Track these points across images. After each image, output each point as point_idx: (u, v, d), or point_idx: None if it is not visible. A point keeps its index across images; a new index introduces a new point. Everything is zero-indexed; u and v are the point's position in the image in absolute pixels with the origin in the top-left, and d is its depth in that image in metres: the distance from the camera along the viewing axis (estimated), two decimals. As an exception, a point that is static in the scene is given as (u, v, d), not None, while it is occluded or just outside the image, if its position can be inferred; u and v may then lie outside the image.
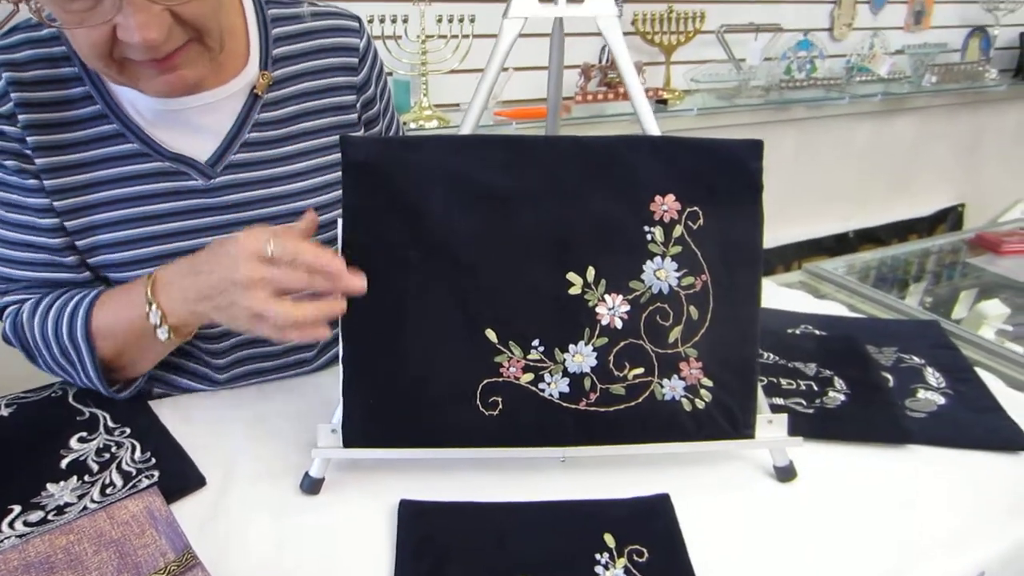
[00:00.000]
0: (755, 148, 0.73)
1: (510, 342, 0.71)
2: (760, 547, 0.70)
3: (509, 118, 1.93)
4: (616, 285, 0.72)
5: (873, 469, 0.81)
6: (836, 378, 0.97)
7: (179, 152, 0.87)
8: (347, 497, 0.74)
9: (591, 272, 0.71)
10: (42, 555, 0.63)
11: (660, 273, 0.72)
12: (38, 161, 0.84)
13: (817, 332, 1.11)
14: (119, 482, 0.75)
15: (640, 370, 0.72)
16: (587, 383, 0.72)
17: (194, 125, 0.87)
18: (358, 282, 0.68)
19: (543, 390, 0.72)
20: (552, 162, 0.71)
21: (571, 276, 0.71)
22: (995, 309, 1.37)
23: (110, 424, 0.85)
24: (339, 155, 0.70)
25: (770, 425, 0.76)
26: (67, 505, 0.72)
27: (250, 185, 0.90)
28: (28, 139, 0.83)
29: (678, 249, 0.72)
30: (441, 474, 0.77)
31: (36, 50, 0.83)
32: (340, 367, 0.72)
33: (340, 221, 0.70)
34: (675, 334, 0.73)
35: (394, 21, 1.81)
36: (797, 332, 1.11)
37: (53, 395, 0.91)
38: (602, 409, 0.72)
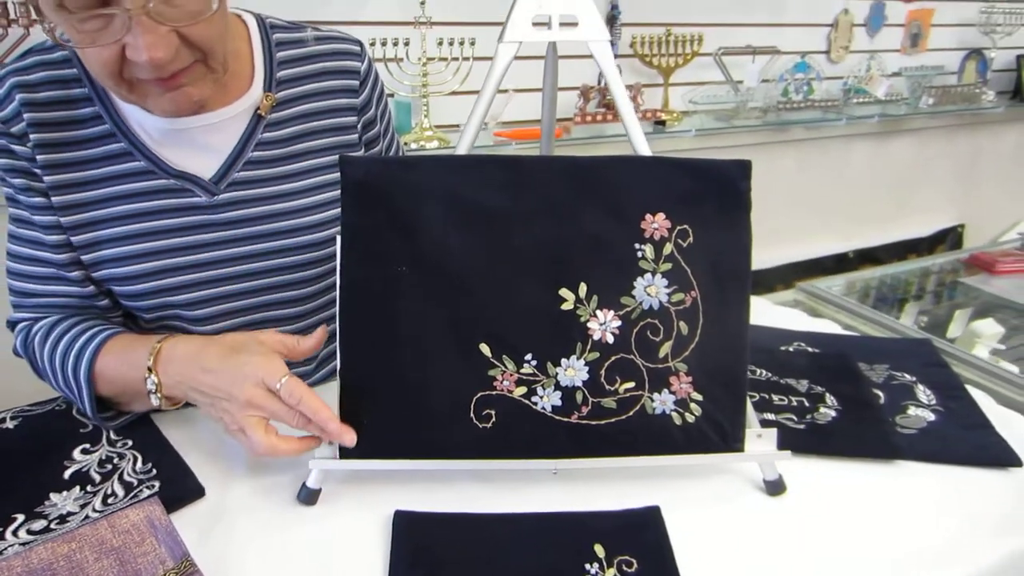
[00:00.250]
0: (743, 168, 0.75)
1: (504, 356, 0.73)
2: (749, 560, 0.71)
3: (509, 138, 1.96)
4: (608, 301, 0.73)
5: (862, 484, 0.81)
6: (827, 394, 0.98)
7: (184, 170, 0.90)
8: (343, 508, 0.76)
9: (583, 288, 0.73)
10: (44, 562, 0.65)
11: (651, 289, 0.74)
12: (46, 179, 0.87)
13: (810, 349, 1.12)
14: (120, 492, 0.77)
15: (631, 384, 0.74)
16: (579, 397, 0.73)
17: (199, 144, 0.90)
18: (348, 438, 0.73)
19: (536, 403, 0.73)
20: (545, 181, 0.73)
21: (563, 292, 0.73)
22: (989, 328, 1.38)
23: (112, 436, 0.87)
24: (339, 174, 0.72)
25: (759, 439, 0.77)
26: (69, 514, 0.74)
27: (252, 202, 0.92)
28: (38, 157, 0.86)
29: (668, 266, 0.74)
30: (436, 486, 0.78)
31: (48, 72, 0.86)
32: (337, 380, 0.74)
33: (339, 238, 0.72)
34: (665, 349, 0.74)
35: (396, 44, 1.84)
36: (790, 349, 1.12)
37: (57, 408, 0.93)
38: (594, 422, 0.74)
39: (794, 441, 0.85)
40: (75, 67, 0.87)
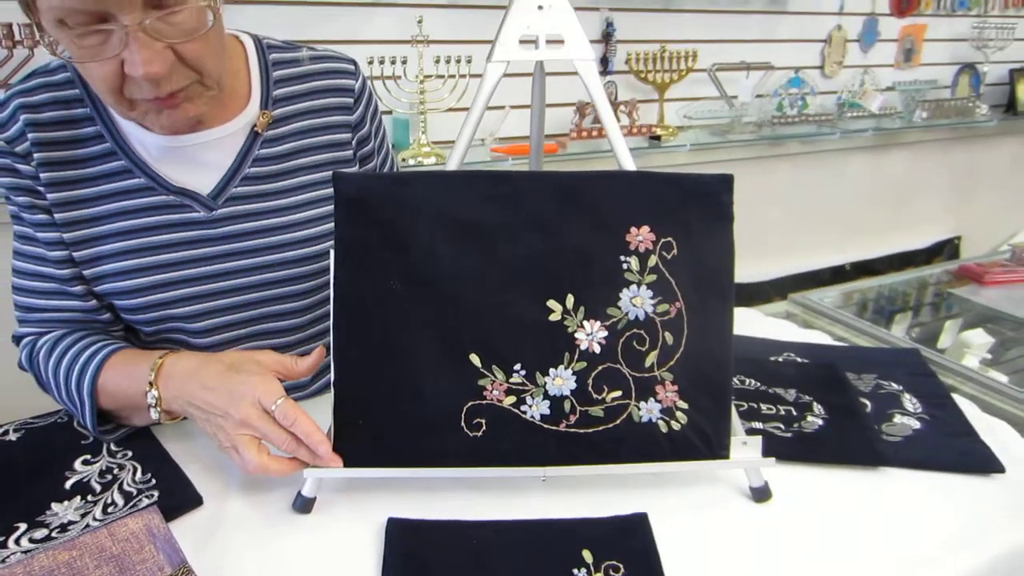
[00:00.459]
0: (725, 181, 0.77)
1: (493, 366, 0.75)
2: (735, 565, 0.72)
3: (505, 154, 1.99)
4: (594, 312, 0.75)
5: (847, 491, 0.83)
6: (815, 403, 0.99)
7: (183, 186, 0.92)
8: (338, 516, 0.77)
9: (570, 299, 0.75)
10: (46, 569, 0.67)
11: (636, 300, 0.76)
12: (50, 196, 0.89)
13: (799, 360, 1.14)
14: (120, 501, 0.79)
15: (618, 393, 0.76)
16: (567, 405, 0.75)
17: (198, 161, 0.92)
18: (336, 464, 0.76)
19: (525, 412, 0.75)
20: (533, 196, 0.75)
21: (551, 303, 0.75)
22: (978, 338, 1.40)
23: (113, 447, 0.89)
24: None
25: (744, 447, 0.79)
26: (70, 523, 0.75)
27: (249, 216, 0.95)
28: (41, 176, 0.88)
29: (653, 278, 0.76)
30: (428, 494, 0.80)
31: (52, 93, 0.89)
32: (331, 391, 0.76)
33: (332, 252, 0.75)
34: (651, 358, 0.76)
35: (393, 62, 1.88)
36: (780, 360, 1.14)
37: (59, 421, 0.95)
38: (581, 430, 0.76)
39: (781, 449, 0.87)
40: (77, 88, 0.89)
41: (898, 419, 0.97)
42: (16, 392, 1.03)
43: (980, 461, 0.88)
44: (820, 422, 0.95)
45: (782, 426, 0.94)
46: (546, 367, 0.75)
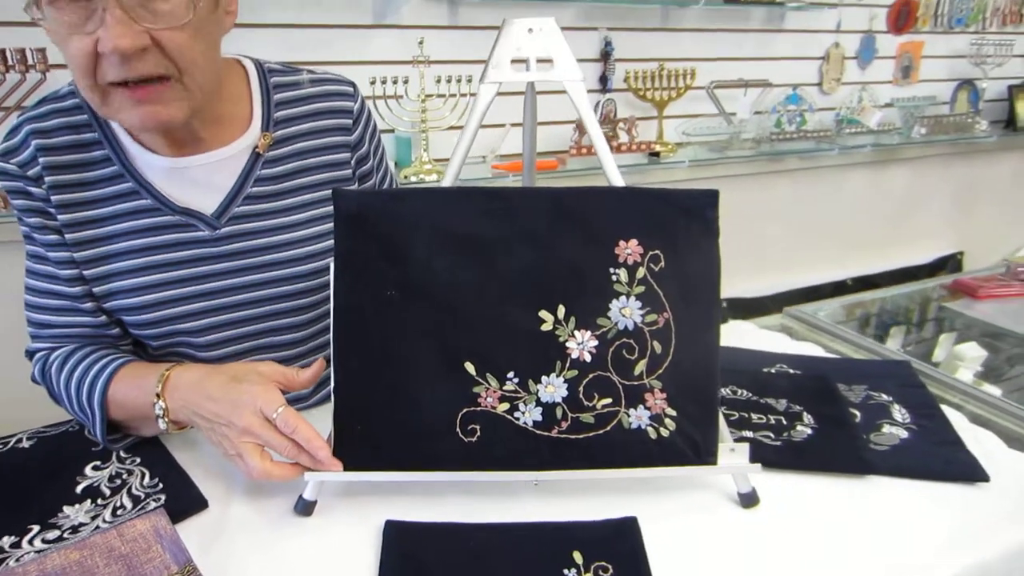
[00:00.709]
0: (711, 197, 0.80)
1: (487, 374, 0.78)
2: (722, 569, 0.74)
3: (506, 171, 2.03)
4: (585, 322, 0.78)
5: (834, 498, 0.85)
6: (805, 413, 1.02)
7: (188, 206, 0.95)
8: (337, 519, 0.80)
9: (561, 310, 0.78)
10: (58, 567, 0.70)
11: (625, 311, 0.79)
12: (60, 217, 0.93)
13: (791, 371, 1.16)
14: (129, 505, 0.82)
15: (608, 400, 0.79)
16: (559, 412, 0.78)
17: (202, 181, 0.96)
18: (336, 468, 0.79)
19: (518, 418, 0.78)
20: (525, 210, 0.78)
21: (543, 314, 0.78)
22: (972, 351, 1.42)
23: (122, 454, 0.92)
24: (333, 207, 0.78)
25: (732, 453, 0.81)
26: (81, 525, 0.79)
27: (252, 235, 0.98)
28: (52, 198, 0.92)
29: (641, 289, 0.79)
30: (424, 497, 0.82)
31: (62, 118, 0.93)
32: (331, 401, 0.79)
33: (332, 266, 0.78)
34: (640, 367, 0.79)
35: (395, 82, 1.92)
36: (772, 371, 1.16)
37: (70, 429, 0.98)
38: (573, 436, 0.78)
39: (770, 457, 0.89)
40: (86, 113, 0.93)
41: (886, 429, 0.99)
42: (29, 404, 1.06)
43: (965, 470, 0.90)
44: (809, 431, 0.97)
45: (772, 435, 0.96)
46: (538, 375, 0.78)
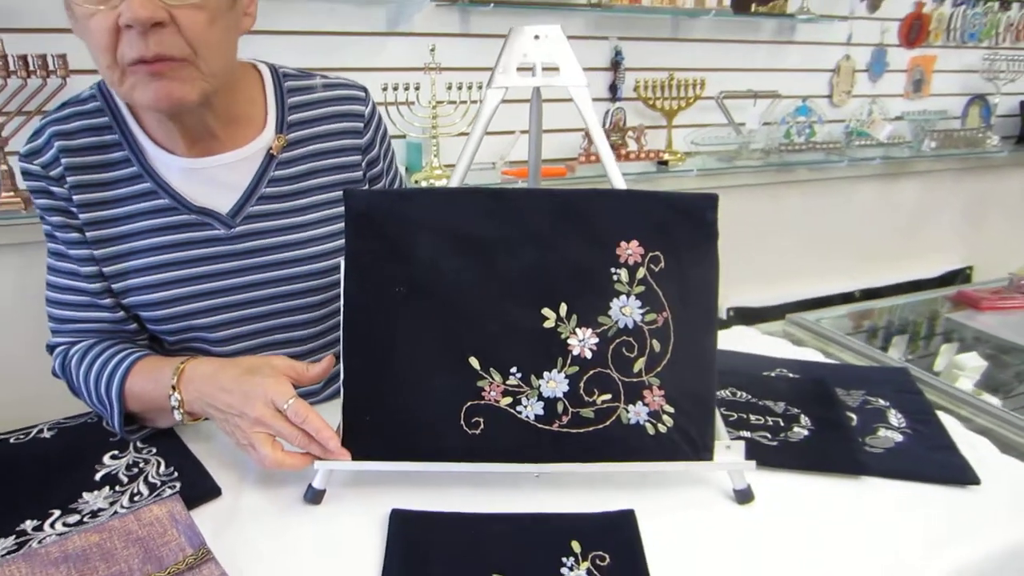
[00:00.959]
0: (711, 200, 0.83)
1: (491, 369, 0.81)
2: (716, 561, 0.77)
3: (516, 176, 2.06)
4: (586, 320, 0.81)
5: (828, 497, 0.87)
6: (802, 415, 1.03)
7: (204, 206, 0.99)
8: (345, 507, 0.83)
9: (563, 308, 0.81)
10: (79, 549, 0.73)
11: (625, 310, 0.81)
12: (81, 216, 0.96)
13: (791, 375, 1.18)
14: (145, 491, 0.85)
15: (608, 396, 0.81)
16: (560, 407, 0.81)
17: (217, 182, 0.99)
18: (345, 457, 0.82)
19: (520, 412, 0.81)
20: (530, 212, 0.81)
21: (546, 311, 0.81)
22: (972, 361, 1.43)
23: (139, 444, 0.95)
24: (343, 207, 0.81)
25: (728, 450, 0.84)
26: (100, 510, 0.82)
27: (266, 234, 1.01)
28: (74, 198, 0.96)
29: (641, 289, 0.82)
30: (429, 487, 0.85)
31: (83, 121, 0.96)
32: (340, 397, 0.82)
33: (342, 264, 0.81)
34: (639, 364, 0.82)
35: (407, 88, 1.96)
36: (772, 375, 1.18)
37: (89, 421, 1.01)
38: (573, 430, 0.81)
39: (766, 456, 0.91)
40: (107, 116, 0.97)
41: (882, 432, 1.01)
42: (50, 398, 1.10)
43: (957, 473, 0.92)
44: (806, 432, 1.00)
45: (769, 435, 0.98)
46: (540, 370, 0.81)
